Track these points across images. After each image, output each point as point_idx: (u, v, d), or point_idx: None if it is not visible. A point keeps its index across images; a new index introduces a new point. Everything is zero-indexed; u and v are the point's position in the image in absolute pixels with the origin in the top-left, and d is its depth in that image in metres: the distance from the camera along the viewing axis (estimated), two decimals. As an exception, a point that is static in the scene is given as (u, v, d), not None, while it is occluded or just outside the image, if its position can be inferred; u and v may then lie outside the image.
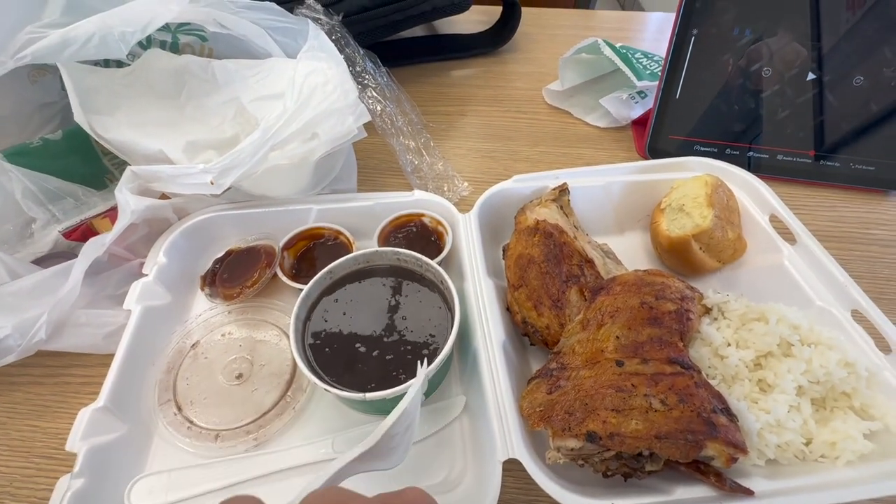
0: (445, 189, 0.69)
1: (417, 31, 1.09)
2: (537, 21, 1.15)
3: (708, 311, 0.48)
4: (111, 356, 0.46)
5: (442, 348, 0.42)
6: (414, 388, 0.35)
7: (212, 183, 0.50)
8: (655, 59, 0.85)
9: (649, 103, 0.82)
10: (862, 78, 0.66)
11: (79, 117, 0.54)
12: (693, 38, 0.69)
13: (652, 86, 0.80)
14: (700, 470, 0.36)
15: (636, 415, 0.37)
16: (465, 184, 0.71)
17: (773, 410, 0.39)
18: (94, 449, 0.40)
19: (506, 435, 0.39)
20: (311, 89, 0.52)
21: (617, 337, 0.43)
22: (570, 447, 0.38)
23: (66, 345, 0.48)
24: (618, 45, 0.83)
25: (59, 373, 0.51)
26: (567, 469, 0.42)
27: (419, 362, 0.39)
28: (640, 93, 0.83)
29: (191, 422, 0.45)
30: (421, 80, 0.95)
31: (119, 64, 0.62)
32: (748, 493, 0.35)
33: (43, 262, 0.55)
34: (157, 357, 0.49)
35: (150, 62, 0.61)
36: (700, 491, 0.36)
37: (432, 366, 0.40)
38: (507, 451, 0.38)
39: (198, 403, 0.46)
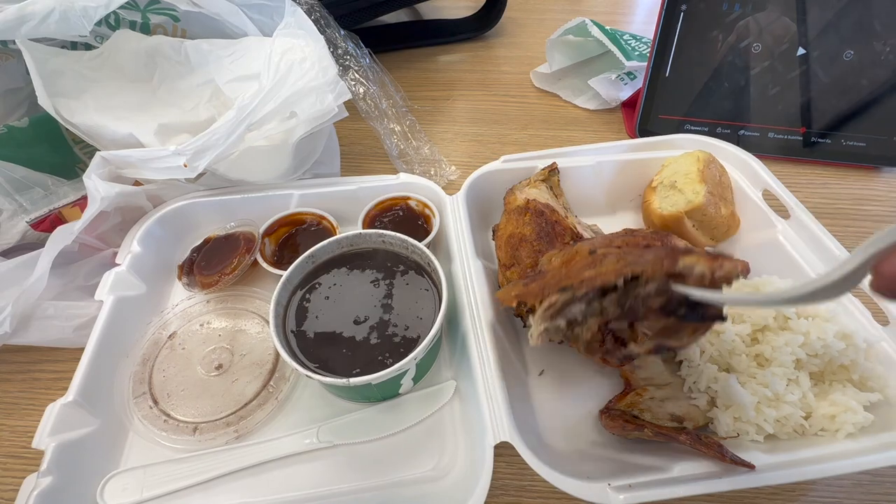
0: (432, 173, 0.67)
1: (402, 16, 1.07)
2: (524, 6, 1.13)
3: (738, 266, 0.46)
4: (82, 350, 0.44)
5: (429, 331, 0.40)
6: None
7: (185, 166, 0.47)
8: (644, 41, 0.84)
9: (638, 84, 0.81)
10: (852, 52, 0.65)
11: (43, 100, 0.51)
12: (682, 14, 0.68)
13: (641, 66, 0.78)
14: (701, 441, 0.35)
15: (608, 263, 0.34)
16: (453, 167, 0.69)
17: (771, 384, 0.38)
18: (63, 445, 0.38)
19: (496, 418, 0.38)
20: (288, 66, 0.49)
21: (594, 249, 0.39)
22: (547, 306, 0.34)
23: (33, 338, 0.45)
24: (606, 27, 0.82)
25: (28, 369, 0.48)
26: (562, 454, 0.41)
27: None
28: (629, 73, 0.82)
29: (167, 415, 0.42)
30: (407, 65, 0.93)
31: (87, 47, 0.60)
32: (749, 466, 0.34)
33: (10, 253, 0.52)
34: (132, 349, 0.46)
35: (119, 44, 0.58)
36: (698, 467, 0.35)
37: (419, 349, 0.39)
38: (498, 435, 0.37)
39: (175, 396, 0.44)
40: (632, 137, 0.76)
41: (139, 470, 0.40)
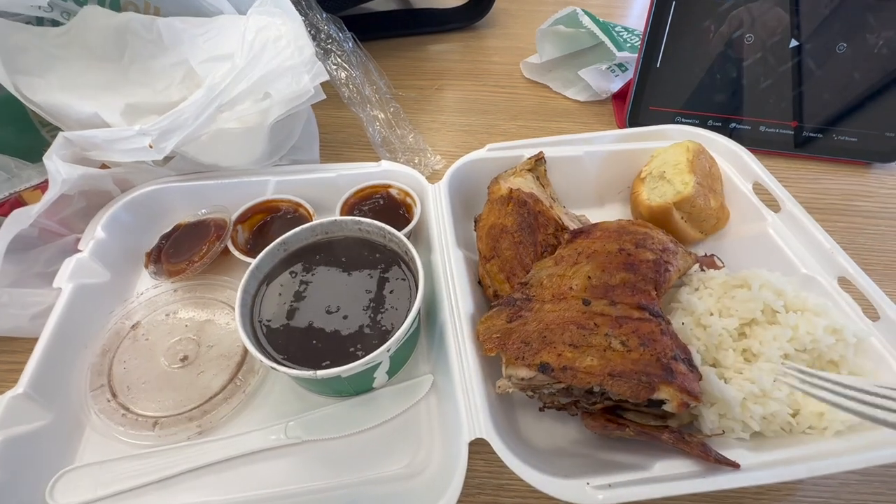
0: (417, 162, 0.65)
1: (392, 4, 1.05)
2: (516, -2, 1.11)
3: (698, 260, 0.46)
4: (42, 340, 0.41)
5: (403, 322, 0.38)
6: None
7: (151, 147, 0.45)
8: (636, 33, 0.82)
9: (629, 76, 0.79)
10: (845, 45, 0.64)
11: (1, 77, 0.48)
12: (674, 3, 0.66)
13: (632, 58, 0.77)
14: (684, 440, 0.34)
15: (593, 352, 0.36)
16: (438, 157, 0.67)
17: (758, 380, 0.36)
18: (11, 440, 0.36)
19: (473, 414, 0.36)
20: (263, 45, 0.47)
21: (588, 277, 0.41)
22: (521, 376, 0.37)
23: (-15, 327, 0.43)
24: (598, 18, 0.80)
25: (-19, 359, 0.46)
26: (540, 452, 0.39)
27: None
28: (619, 65, 0.80)
29: (126, 409, 0.40)
30: (395, 53, 0.91)
31: (54, 23, 0.57)
32: (733, 465, 0.32)
33: (-35, 239, 0.49)
34: (91, 340, 0.44)
35: (87, 21, 0.55)
36: (680, 466, 0.34)
37: (392, 340, 0.37)
38: (474, 431, 0.35)
39: (135, 389, 0.41)
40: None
41: (94, 466, 0.38)
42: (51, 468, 0.38)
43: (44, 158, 0.47)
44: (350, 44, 0.65)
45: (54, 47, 0.54)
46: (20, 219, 0.45)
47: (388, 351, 0.37)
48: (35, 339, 0.45)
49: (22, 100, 0.50)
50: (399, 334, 0.37)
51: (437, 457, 0.39)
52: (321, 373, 0.35)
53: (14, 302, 0.44)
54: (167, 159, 0.52)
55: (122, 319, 0.46)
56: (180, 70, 0.56)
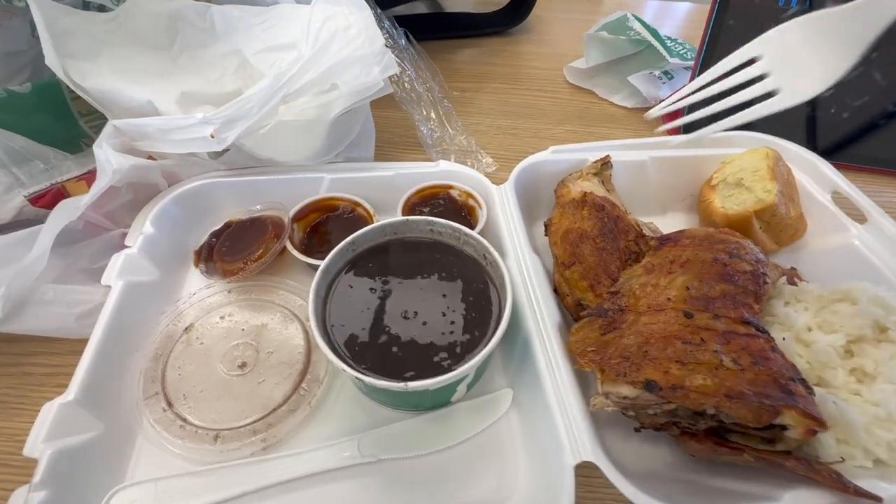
0: (469, 164, 0.63)
1: (422, 8, 1.03)
2: (548, 6, 1.11)
3: (784, 273, 0.43)
4: (84, 342, 0.38)
5: (495, 330, 0.35)
6: None
7: (212, 136, 0.42)
8: (680, 42, 0.81)
9: (677, 84, 0.78)
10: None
11: (50, 60, 0.46)
12: (733, 9, 0.64)
13: (681, 65, 0.76)
14: (813, 468, 0.30)
15: (703, 370, 0.33)
16: (490, 159, 0.65)
17: (883, 402, 0.34)
18: (61, 453, 0.32)
19: (574, 434, 0.33)
20: (331, 34, 0.45)
21: (687, 287, 0.38)
22: (624, 395, 0.34)
23: (28, 326, 0.39)
24: (648, 23, 0.79)
25: (19, 361, 0.42)
26: (639, 478, 0.35)
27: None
28: (666, 72, 0.78)
29: (184, 419, 0.37)
30: (432, 56, 0.89)
31: (102, 8, 0.54)
32: (875, 498, 0.29)
33: (4, 230, 0.46)
34: (143, 342, 0.41)
35: (137, 6, 0.53)
36: (811, 497, 0.30)
37: (486, 350, 0.34)
38: (579, 454, 0.32)
39: (192, 397, 0.38)
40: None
41: (149, 484, 0.34)
42: (102, 485, 0.34)
43: (94, 146, 0.44)
44: (403, 40, 0.63)
45: (103, 32, 0.51)
46: (69, 210, 0.42)
47: (479, 362, 0.34)
48: (74, 342, 0.42)
49: (70, 84, 0.47)
50: (492, 344, 0.34)
51: (524, 480, 0.36)
52: (412, 384, 0.32)
53: (59, 299, 0.40)
54: (222, 152, 0.49)
55: (174, 321, 0.42)
56: (233, 60, 0.53)
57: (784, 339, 0.39)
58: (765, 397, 0.31)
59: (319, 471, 0.35)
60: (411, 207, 0.51)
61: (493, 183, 0.52)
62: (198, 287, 0.45)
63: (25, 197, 0.48)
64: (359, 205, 0.51)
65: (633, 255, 0.44)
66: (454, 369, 0.33)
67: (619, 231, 0.45)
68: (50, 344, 0.43)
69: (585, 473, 0.32)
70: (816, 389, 0.36)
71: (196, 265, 0.47)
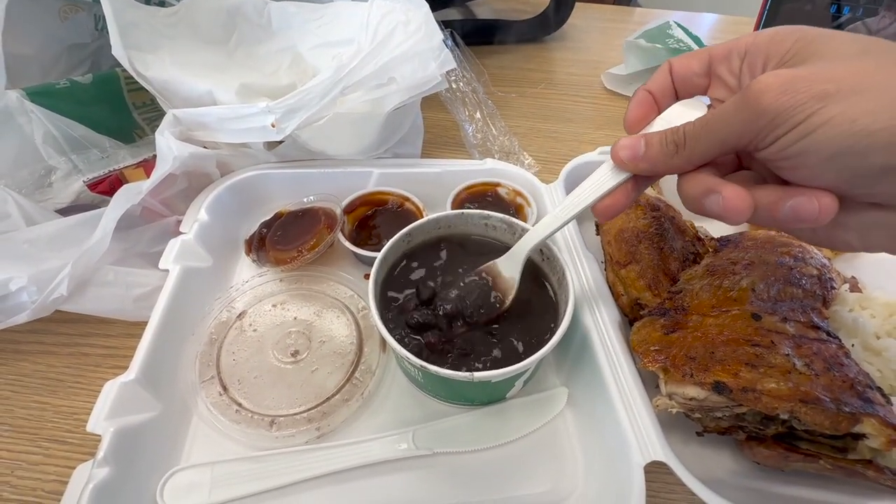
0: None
1: (455, 15, 1.05)
2: (581, 14, 1.11)
3: (846, 280, 0.42)
4: (138, 325, 0.38)
5: (559, 324, 0.34)
6: None
7: (273, 126, 0.43)
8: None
9: (718, 92, 0.77)
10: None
11: (117, 50, 0.47)
12: (785, 15, 0.64)
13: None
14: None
15: (775, 374, 0.32)
16: (532, 160, 0.65)
17: (969, 414, 0.32)
18: (123, 431, 0.32)
19: (642, 433, 0.32)
20: (390, 29, 0.45)
21: (752, 289, 0.37)
22: (690, 396, 0.32)
23: (88, 306, 0.40)
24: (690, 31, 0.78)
25: (77, 342, 0.43)
26: (713, 481, 0.34)
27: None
28: (708, 81, 0.78)
29: (239, 404, 0.37)
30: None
31: (162, 3, 0.56)
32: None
33: (65, 213, 0.47)
34: (197, 327, 0.41)
35: (197, 2, 0.54)
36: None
37: (549, 345, 0.33)
38: (649, 453, 0.31)
39: (247, 383, 0.38)
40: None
41: (206, 467, 0.34)
42: (159, 465, 0.34)
43: (156, 134, 0.45)
44: (450, 41, 0.63)
45: (164, 26, 0.53)
46: (130, 194, 0.42)
47: (542, 356, 0.33)
48: (129, 324, 0.43)
49: (134, 74, 0.48)
50: (556, 339, 0.33)
51: (584, 479, 0.35)
52: (478, 375, 0.31)
53: (119, 281, 0.41)
54: (273, 144, 0.50)
55: (227, 307, 0.43)
56: (287, 56, 0.54)
57: (853, 345, 0.38)
58: (843, 404, 0.30)
59: (374, 462, 0.35)
60: (460, 203, 0.50)
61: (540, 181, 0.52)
62: (250, 275, 0.46)
63: (85, 182, 0.49)
64: (408, 199, 0.51)
65: (692, 256, 0.43)
66: (517, 363, 0.32)
67: (677, 231, 0.44)
68: (106, 326, 0.43)
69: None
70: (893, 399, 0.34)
71: (247, 254, 0.47)
